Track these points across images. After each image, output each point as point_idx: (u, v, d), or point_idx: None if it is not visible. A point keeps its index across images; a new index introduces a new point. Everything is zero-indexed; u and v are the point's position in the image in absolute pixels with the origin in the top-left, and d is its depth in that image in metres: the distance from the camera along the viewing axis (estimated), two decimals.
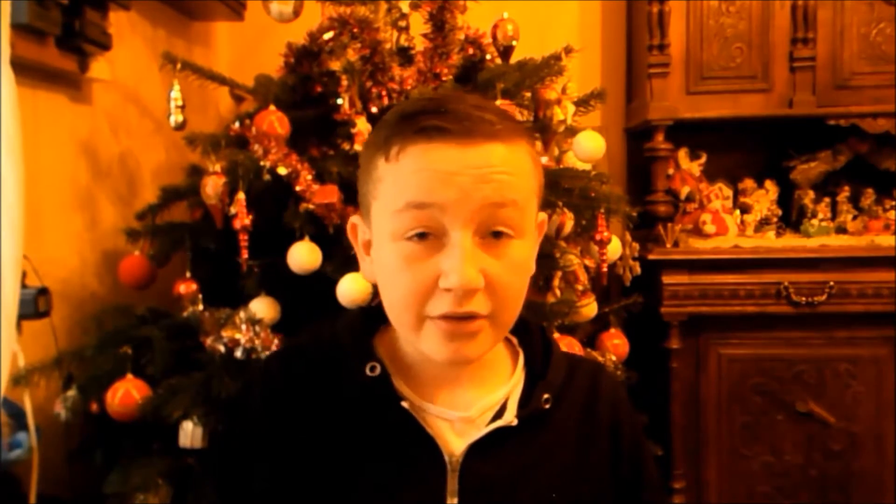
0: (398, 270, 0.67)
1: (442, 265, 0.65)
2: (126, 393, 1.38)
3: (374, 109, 1.54)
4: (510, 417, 0.73)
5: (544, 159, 1.59)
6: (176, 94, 1.57)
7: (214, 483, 0.82)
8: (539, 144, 1.63)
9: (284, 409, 0.74)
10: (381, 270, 0.70)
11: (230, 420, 0.90)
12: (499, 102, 1.48)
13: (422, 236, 0.66)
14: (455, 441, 0.72)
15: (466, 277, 0.64)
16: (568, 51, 1.64)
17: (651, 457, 0.86)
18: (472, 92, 1.57)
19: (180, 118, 1.58)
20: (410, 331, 0.70)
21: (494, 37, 1.66)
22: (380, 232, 0.69)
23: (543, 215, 0.76)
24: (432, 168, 0.65)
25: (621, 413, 0.81)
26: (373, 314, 0.78)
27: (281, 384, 0.76)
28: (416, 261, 0.66)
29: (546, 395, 0.75)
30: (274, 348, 1.37)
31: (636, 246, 1.90)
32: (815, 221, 2.23)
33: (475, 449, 0.72)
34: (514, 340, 0.81)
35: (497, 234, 0.67)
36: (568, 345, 1.45)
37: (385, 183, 0.68)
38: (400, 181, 0.66)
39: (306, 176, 1.45)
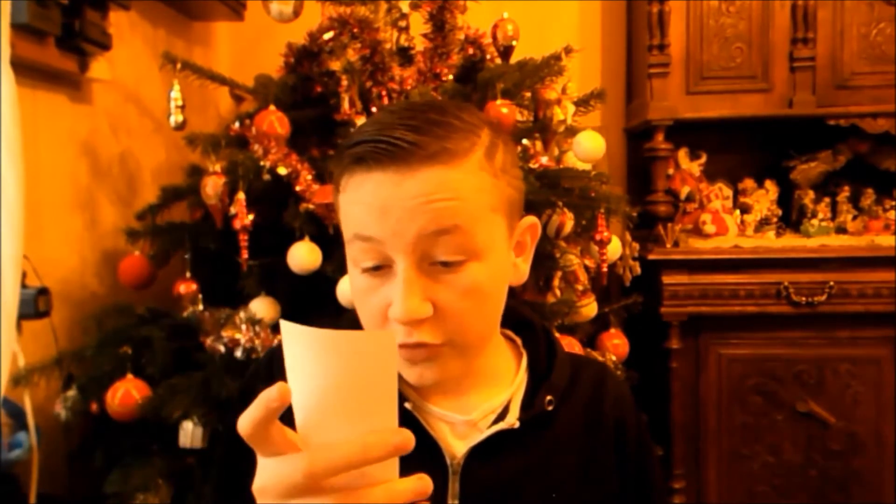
0: (359, 300, 0.69)
1: (390, 296, 0.65)
2: (126, 393, 1.38)
3: (374, 109, 1.54)
4: (512, 420, 0.73)
5: (544, 159, 1.60)
6: (176, 94, 1.57)
7: (213, 477, 0.81)
8: (539, 144, 1.64)
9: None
10: (352, 291, 0.71)
11: (233, 413, 0.90)
12: (499, 102, 1.48)
13: (376, 269, 0.66)
14: (456, 444, 0.72)
15: (407, 309, 0.63)
16: (568, 51, 1.64)
17: (656, 460, 0.85)
18: (473, 92, 1.57)
19: (180, 118, 1.58)
20: None
21: (494, 37, 1.67)
22: (347, 255, 0.70)
23: (531, 218, 0.74)
24: (367, 202, 0.64)
25: (627, 415, 0.81)
26: None
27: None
28: (372, 292, 0.66)
29: (549, 397, 0.75)
30: None
31: (636, 246, 1.90)
32: (815, 221, 2.23)
33: (477, 452, 0.72)
34: (519, 341, 0.81)
35: (445, 263, 0.65)
36: (568, 345, 1.45)
37: (340, 212, 0.69)
38: (346, 212, 0.67)
39: (306, 176, 1.45)
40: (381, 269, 0.66)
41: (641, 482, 0.80)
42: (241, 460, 0.75)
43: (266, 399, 0.48)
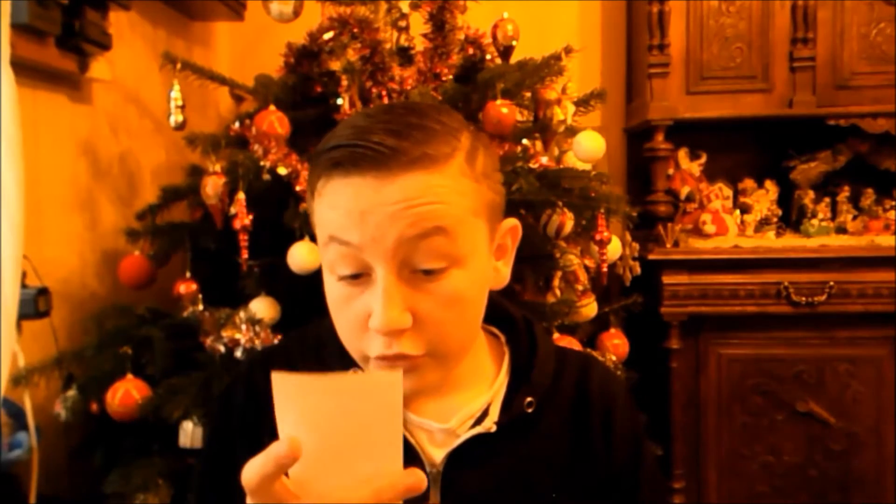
0: (336, 309, 0.67)
1: (370, 305, 0.63)
2: (126, 393, 1.38)
3: None
4: (489, 424, 0.70)
5: (544, 159, 1.60)
6: (176, 94, 1.57)
7: (195, 483, 0.80)
8: (539, 144, 1.64)
9: (266, 410, 0.73)
10: (328, 300, 0.69)
11: (213, 421, 0.88)
12: (498, 102, 1.48)
13: (354, 277, 0.64)
14: (435, 452, 0.71)
15: (389, 320, 0.61)
16: (568, 51, 1.64)
17: (651, 456, 0.81)
18: (473, 92, 1.57)
19: (180, 118, 1.58)
20: (359, 363, 0.68)
21: (494, 37, 1.66)
22: (323, 261, 0.68)
23: (511, 221, 0.72)
24: (347, 207, 0.62)
25: (614, 409, 0.77)
26: None
27: (263, 385, 0.74)
28: (350, 301, 0.65)
29: (529, 399, 0.72)
30: None
31: (636, 246, 1.91)
32: (815, 221, 2.24)
33: (456, 458, 0.70)
34: (503, 338, 0.78)
35: (427, 271, 0.63)
36: (567, 345, 1.45)
37: (315, 216, 0.67)
38: (322, 217, 0.65)
39: (306, 176, 1.45)
40: (359, 277, 0.64)
41: (633, 483, 0.77)
42: (221, 461, 0.74)
43: (276, 455, 0.48)
